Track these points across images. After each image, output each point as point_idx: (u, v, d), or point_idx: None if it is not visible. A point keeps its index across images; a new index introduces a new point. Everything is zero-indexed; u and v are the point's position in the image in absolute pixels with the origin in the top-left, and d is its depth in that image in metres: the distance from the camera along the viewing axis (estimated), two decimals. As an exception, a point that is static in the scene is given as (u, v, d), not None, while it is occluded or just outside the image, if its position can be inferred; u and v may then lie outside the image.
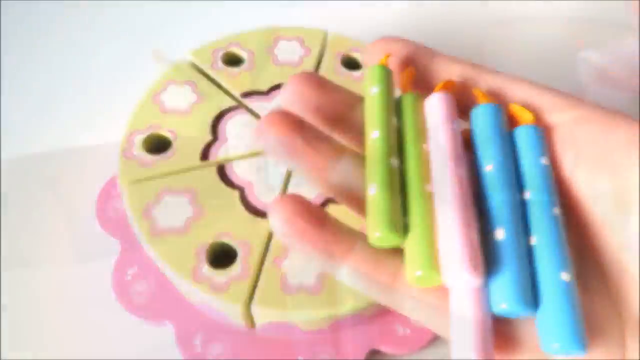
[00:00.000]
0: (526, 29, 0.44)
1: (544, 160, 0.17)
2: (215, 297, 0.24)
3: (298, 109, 0.19)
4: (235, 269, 0.24)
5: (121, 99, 0.37)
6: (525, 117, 0.18)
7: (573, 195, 0.17)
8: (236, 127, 0.29)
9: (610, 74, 0.36)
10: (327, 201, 0.27)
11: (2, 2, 0.42)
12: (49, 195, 0.32)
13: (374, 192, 0.16)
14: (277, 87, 0.31)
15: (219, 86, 0.31)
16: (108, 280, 0.29)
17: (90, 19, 0.42)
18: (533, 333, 0.15)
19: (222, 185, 0.27)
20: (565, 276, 0.15)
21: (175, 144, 0.28)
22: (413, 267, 0.15)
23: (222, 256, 0.26)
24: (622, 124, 0.17)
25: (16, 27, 0.41)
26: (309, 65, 0.32)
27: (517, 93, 0.18)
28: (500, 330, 0.16)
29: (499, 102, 0.18)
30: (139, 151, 0.28)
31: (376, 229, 0.15)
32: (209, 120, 0.29)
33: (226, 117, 0.29)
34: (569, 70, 0.39)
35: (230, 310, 0.24)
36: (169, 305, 0.28)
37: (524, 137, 0.18)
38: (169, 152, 0.28)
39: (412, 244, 0.15)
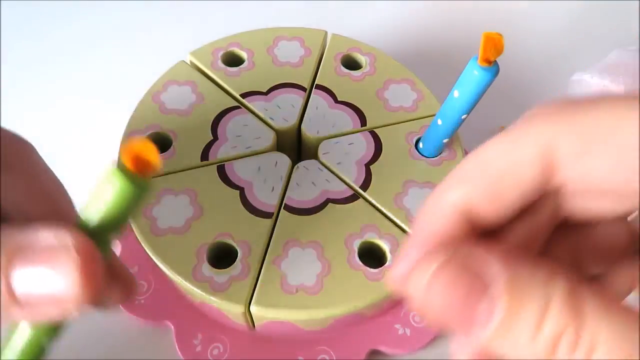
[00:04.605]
0: (526, 32, 0.44)
1: None
2: (215, 297, 0.24)
3: None
4: (235, 269, 0.24)
5: (121, 99, 0.37)
6: None
7: None
8: (236, 127, 0.29)
9: (607, 90, 0.36)
10: (328, 201, 0.27)
11: (2, 2, 0.42)
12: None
13: None
14: (277, 87, 0.31)
15: (219, 86, 0.31)
16: (108, 280, 0.29)
17: (90, 19, 0.42)
18: None
19: (222, 185, 0.27)
20: None
21: (175, 144, 0.28)
22: None
23: (222, 256, 0.26)
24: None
25: (16, 27, 0.41)
26: (309, 65, 0.32)
27: None
28: None
29: None
30: (139, 151, 0.28)
31: None
32: (209, 120, 0.29)
33: (226, 117, 0.29)
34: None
35: (230, 310, 0.24)
36: (169, 305, 0.28)
37: None
38: (169, 152, 0.28)
39: None
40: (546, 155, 0.14)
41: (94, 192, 0.15)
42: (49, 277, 0.15)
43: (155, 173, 0.14)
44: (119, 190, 0.14)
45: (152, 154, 0.14)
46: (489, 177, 0.15)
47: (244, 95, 0.30)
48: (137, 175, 0.14)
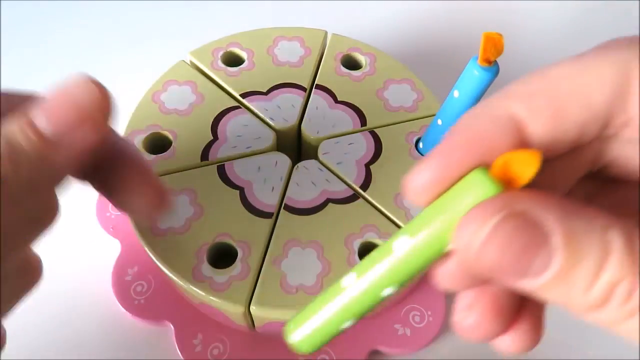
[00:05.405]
0: (526, 32, 0.44)
1: None
2: (215, 297, 0.24)
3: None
4: (235, 269, 0.24)
5: (121, 99, 0.37)
6: None
7: None
8: (236, 127, 0.29)
9: None
10: (328, 201, 0.27)
11: (2, 2, 0.42)
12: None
13: None
14: (277, 87, 0.31)
15: (219, 86, 0.31)
16: (108, 280, 0.29)
17: (90, 18, 0.42)
18: None
19: (222, 185, 0.27)
20: None
21: (175, 144, 0.28)
22: None
23: (222, 256, 0.26)
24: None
25: (16, 27, 0.41)
26: (309, 65, 0.32)
27: None
28: None
29: None
30: (139, 151, 0.28)
31: None
32: (209, 120, 0.29)
33: (226, 117, 0.29)
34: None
35: (230, 310, 0.24)
36: (169, 305, 0.28)
37: None
38: (169, 152, 0.28)
39: None
40: (621, 83, 0.13)
41: (450, 190, 0.13)
42: (67, 96, 0.15)
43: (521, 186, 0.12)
44: (480, 197, 0.12)
45: (528, 168, 0.12)
46: (556, 96, 0.13)
47: (244, 95, 0.30)
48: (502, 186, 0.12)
